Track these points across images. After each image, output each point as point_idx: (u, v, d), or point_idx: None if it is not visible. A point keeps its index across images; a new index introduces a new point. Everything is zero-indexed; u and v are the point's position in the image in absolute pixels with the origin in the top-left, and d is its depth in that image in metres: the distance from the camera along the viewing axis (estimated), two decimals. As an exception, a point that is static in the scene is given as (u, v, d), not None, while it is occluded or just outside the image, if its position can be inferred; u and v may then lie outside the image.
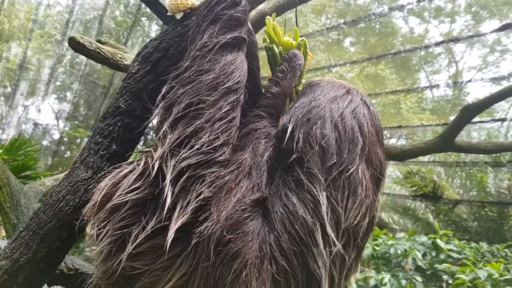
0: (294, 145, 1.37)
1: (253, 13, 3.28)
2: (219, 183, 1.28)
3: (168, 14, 1.74)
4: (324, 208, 1.25)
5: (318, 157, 1.32)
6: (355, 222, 1.31)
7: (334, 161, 1.32)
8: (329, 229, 1.24)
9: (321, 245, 1.22)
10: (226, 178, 1.30)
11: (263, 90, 1.87)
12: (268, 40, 1.80)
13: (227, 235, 1.18)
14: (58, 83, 15.96)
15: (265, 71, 1.90)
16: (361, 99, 1.53)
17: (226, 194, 1.27)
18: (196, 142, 1.32)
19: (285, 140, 1.40)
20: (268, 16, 1.79)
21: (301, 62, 1.74)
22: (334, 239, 1.25)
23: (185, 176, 1.27)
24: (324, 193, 1.28)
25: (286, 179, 1.34)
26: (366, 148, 1.39)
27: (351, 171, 1.32)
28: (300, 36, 1.82)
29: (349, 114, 1.42)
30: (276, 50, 1.76)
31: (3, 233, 4.45)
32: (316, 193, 1.27)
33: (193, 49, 1.49)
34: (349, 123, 1.40)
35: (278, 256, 1.21)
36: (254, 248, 1.19)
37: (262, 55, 1.86)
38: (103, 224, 1.29)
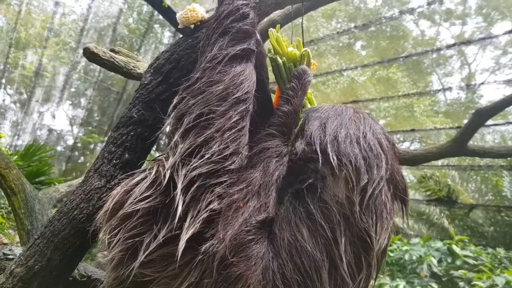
0: (326, 163, 1.30)
1: (264, 20, 3.31)
2: (229, 201, 1.29)
3: (179, 27, 1.78)
4: (342, 247, 1.21)
5: (351, 179, 1.26)
6: (386, 245, 1.29)
7: (366, 180, 1.26)
8: (342, 268, 1.21)
9: (326, 283, 1.20)
10: (236, 196, 1.31)
11: (272, 98, 1.90)
12: (272, 51, 1.82)
13: (230, 257, 1.18)
14: (72, 89, 16.19)
15: (272, 80, 1.93)
16: (370, 116, 1.50)
17: (234, 212, 1.27)
18: (207, 152, 1.34)
19: (311, 159, 1.35)
20: (271, 28, 1.81)
21: (311, 79, 1.75)
22: (347, 275, 1.22)
23: (196, 185, 1.29)
24: (342, 229, 1.23)
25: (297, 207, 1.29)
26: (391, 162, 1.36)
27: (379, 189, 1.27)
28: (311, 41, 1.85)
29: (369, 131, 1.39)
30: (280, 61, 1.79)
31: (17, 239, 4.52)
32: (332, 231, 1.23)
33: (204, 61, 1.52)
34: (371, 140, 1.36)
35: (280, 284, 1.19)
36: (257, 273, 1.19)
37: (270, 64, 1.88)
38: (115, 231, 1.31)
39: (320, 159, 1.30)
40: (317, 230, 1.23)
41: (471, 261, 7.56)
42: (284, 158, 1.50)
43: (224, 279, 1.17)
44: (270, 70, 1.89)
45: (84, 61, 13.79)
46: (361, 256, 1.26)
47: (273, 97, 1.91)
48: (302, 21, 2.25)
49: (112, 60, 2.85)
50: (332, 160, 1.28)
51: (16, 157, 7.26)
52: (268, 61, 1.87)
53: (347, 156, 1.29)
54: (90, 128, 16.99)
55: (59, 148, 17.08)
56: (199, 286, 1.20)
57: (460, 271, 7.20)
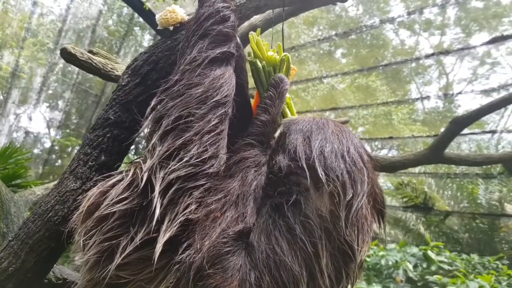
0: (311, 178, 1.28)
1: (245, 24, 3.32)
2: (206, 210, 1.28)
3: (158, 28, 1.77)
4: (324, 261, 1.21)
5: (337, 194, 1.25)
6: (364, 256, 1.30)
7: (351, 194, 1.26)
8: (323, 281, 1.21)
9: None
10: (213, 206, 1.30)
11: (251, 101, 1.90)
12: (252, 55, 1.83)
13: (207, 268, 1.17)
14: (50, 91, 15.93)
15: (252, 83, 1.93)
16: (348, 129, 1.50)
17: (212, 222, 1.27)
18: (185, 155, 1.33)
19: (295, 174, 1.33)
20: (251, 32, 1.82)
21: (288, 87, 1.75)
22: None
23: (173, 188, 1.28)
24: (323, 243, 1.23)
25: (277, 220, 1.28)
26: (370, 176, 1.35)
27: (361, 204, 1.27)
28: (292, 47, 1.87)
29: (351, 146, 1.38)
30: (259, 65, 1.80)
31: (-8, 243, 4.41)
32: (311, 244, 1.22)
33: (183, 63, 1.51)
34: (354, 154, 1.36)
35: None
36: (233, 285, 1.18)
37: (250, 68, 1.88)
38: (90, 233, 1.29)
39: (307, 174, 1.28)
40: (297, 244, 1.22)
41: (446, 267, 7.67)
42: (263, 168, 1.50)
43: None
44: (250, 75, 1.89)
45: (62, 62, 13.59)
46: (341, 269, 1.26)
47: (252, 102, 1.92)
48: (282, 26, 2.26)
49: (90, 61, 2.81)
50: (320, 176, 1.27)
51: (-9, 159, 7.10)
52: (247, 65, 1.88)
53: (334, 171, 1.29)
54: (67, 131, 16.73)
55: (36, 151, 16.77)
56: None
57: (435, 276, 7.30)
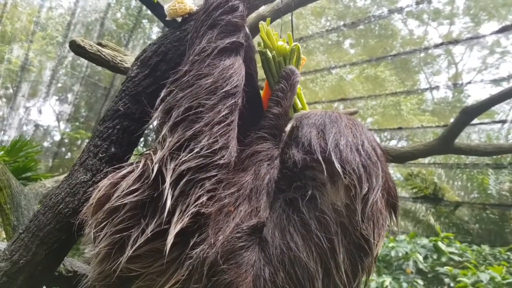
0: (327, 172, 1.27)
1: (253, 15, 3.30)
2: (219, 205, 1.28)
3: (166, 19, 1.75)
4: (340, 256, 1.20)
5: (353, 186, 1.25)
6: (378, 253, 1.29)
7: (367, 188, 1.25)
8: (339, 277, 1.20)
9: None
10: (226, 200, 1.30)
11: (260, 92, 1.89)
12: (262, 45, 1.81)
13: (221, 263, 1.16)
14: (59, 84, 16.01)
15: (261, 74, 1.92)
16: (361, 123, 1.49)
17: (225, 217, 1.26)
18: (196, 146, 1.32)
19: (310, 167, 1.32)
20: (261, 21, 1.80)
21: (299, 79, 1.74)
22: (342, 283, 1.21)
23: (184, 180, 1.27)
24: (339, 239, 1.22)
25: (291, 215, 1.27)
26: (384, 170, 1.35)
27: (377, 197, 1.27)
28: (300, 38, 1.84)
29: (365, 139, 1.38)
30: (270, 55, 1.78)
31: (3, 235, 4.46)
32: (327, 240, 1.21)
33: (192, 54, 1.50)
34: (368, 148, 1.35)
35: None
36: (247, 281, 1.17)
37: (259, 59, 1.87)
38: (101, 225, 1.29)
39: (323, 167, 1.28)
40: (312, 239, 1.21)
41: (457, 258, 7.64)
42: (275, 162, 1.49)
43: (214, 286, 1.15)
44: (260, 66, 1.88)
45: (71, 56, 13.64)
46: (357, 263, 1.25)
47: (262, 93, 1.91)
48: (292, 16, 2.24)
49: (99, 53, 2.81)
50: (337, 168, 1.26)
51: (2, 152, 7.16)
52: (257, 55, 1.86)
53: (350, 164, 1.28)
54: (77, 123, 16.83)
55: (45, 144, 16.91)
56: (186, 285, 1.18)
57: (445, 267, 7.28)
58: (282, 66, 1.78)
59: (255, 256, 1.22)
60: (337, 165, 1.26)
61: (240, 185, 1.36)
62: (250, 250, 1.23)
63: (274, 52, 1.79)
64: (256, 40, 1.88)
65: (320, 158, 1.30)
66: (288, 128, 1.60)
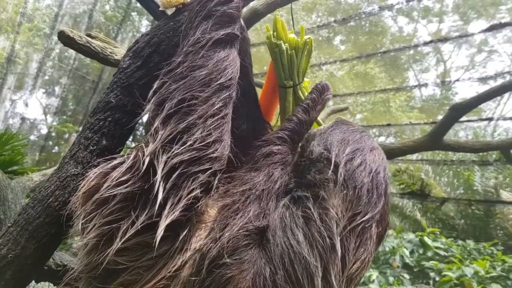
0: (334, 178, 1.31)
1: (244, 9, 3.27)
2: (230, 201, 1.28)
3: (160, 9, 1.72)
4: (339, 254, 1.20)
5: (349, 201, 1.27)
6: (356, 273, 1.28)
7: (360, 210, 1.27)
8: (332, 277, 1.20)
9: None
10: (236, 197, 1.29)
11: (255, 87, 1.87)
12: (274, 37, 1.79)
13: (224, 258, 1.15)
14: (46, 77, 15.81)
15: (256, 68, 1.89)
16: (384, 156, 1.51)
17: (233, 213, 1.26)
18: (189, 138, 1.29)
19: (320, 163, 1.36)
20: (277, 12, 1.78)
21: (331, 97, 1.77)
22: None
23: (177, 173, 1.24)
24: (339, 239, 1.22)
25: (294, 212, 1.28)
26: (385, 206, 1.37)
27: (369, 224, 1.28)
28: (290, 34, 1.81)
29: (382, 171, 1.40)
30: (283, 47, 1.75)
31: (-10, 229, 4.40)
32: (331, 238, 1.21)
33: (186, 45, 1.47)
34: (381, 179, 1.37)
35: None
36: (248, 278, 1.16)
37: (254, 52, 1.85)
38: (90, 216, 1.26)
39: (330, 168, 1.31)
40: (314, 236, 1.21)
41: (442, 253, 7.73)
42: (288, 168, 1.49)
43: (214, 279, 1.14)
44: (257, 59, 1.86)
45: (58, 48, 13.47)
46: (342, 275, 1.25)
47: (259, 91, 1.89)
48: (291, 10, 2.21)
49: (89, 45, 2.76)
50: (339, 175, 1.29)
51: (-13, 145, 7.06)
52: (254, 49, 1.84)
53: (354, 180, 1.31)
54: (64, 117, 16.65)
55: (32, 137, 16.70)
56: (174, 282, 1.16)
57: (431, 262, 7.37)
58: (294, 59, 1.77)
59: (256, 254, 1.22)
60: (341, 172, 1.30)
61: (252, 184, 1.36)
62: (254, 248, 1.23)
63: (287, 44, 1.77)
64: (252, 33, 1.86)
65: (332, 158, 1.34)
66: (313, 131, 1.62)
